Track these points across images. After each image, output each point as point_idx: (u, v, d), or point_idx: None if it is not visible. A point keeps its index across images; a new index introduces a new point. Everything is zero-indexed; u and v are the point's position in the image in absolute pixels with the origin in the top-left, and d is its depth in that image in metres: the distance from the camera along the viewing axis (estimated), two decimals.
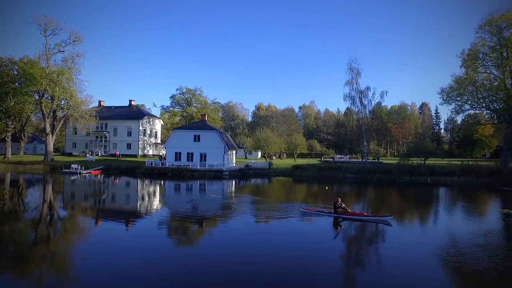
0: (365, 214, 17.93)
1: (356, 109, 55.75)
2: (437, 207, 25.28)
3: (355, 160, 64.59)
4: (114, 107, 74.53)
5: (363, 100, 54.26)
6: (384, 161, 60.46)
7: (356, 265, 11.08)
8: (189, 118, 72.66)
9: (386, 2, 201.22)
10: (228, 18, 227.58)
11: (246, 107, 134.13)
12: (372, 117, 57.54)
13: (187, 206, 22.86)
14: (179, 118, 76.94)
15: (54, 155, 58.64)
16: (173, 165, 48.45)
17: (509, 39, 41.76)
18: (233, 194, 30.20)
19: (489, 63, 44.83)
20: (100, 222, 17.22)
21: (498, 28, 42.44)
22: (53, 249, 12.28)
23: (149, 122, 72.36)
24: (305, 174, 48.85)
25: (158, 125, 77.36)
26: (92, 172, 46.48)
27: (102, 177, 42.71)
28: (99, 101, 71.87)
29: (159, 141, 77.39)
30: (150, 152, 72.42)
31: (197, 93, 75.79)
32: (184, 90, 75.27)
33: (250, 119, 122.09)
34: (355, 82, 54.07)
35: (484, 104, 46.39)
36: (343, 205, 17.87)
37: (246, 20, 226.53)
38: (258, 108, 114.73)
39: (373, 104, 55.59)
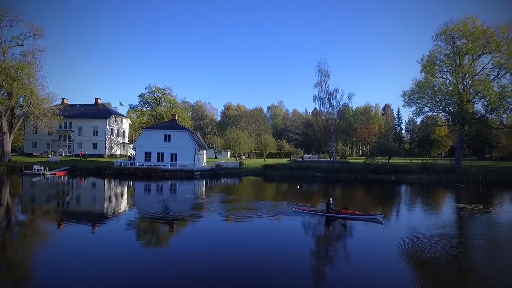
0: (356, 212, 18.40)
1: (325, 110, 57.40)
2: (399, 203, 26.77)
3: (324, 159, 66.27)
4: (79, 105, 70.97)
5: (331, 101, 56.03)
6: (351, 161, 62.76)
7: (325, 261, 11.52)
8: (158, 117, 70.96)
9: (352, 8, 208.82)
10: (196, 17, 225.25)
11: (215, 107, 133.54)
12: (340, 118, 59.37)
13: (158, 206, 22.47)
14: (148, 117, 74.86)
15: (12, 155, 54.79)
16: (143, 165, 47.36)
17: (461, 48, 45.05)
18: (205, 194, 30.12)
19: (445, 69, 48.13)
20: (63, 226, 16.41)
21: (451, 37, 45.70)
22: (11, 255, 11.63)
23: (116, 121, 69.82)
24: (275, 174, 49.53)
25: (126, 124, 74.89)
26: (57, 173, 44.02)
27: (67, 178, 40.61)
28: (63, 99, 68.13)
29: (127, 140, 74.94)
30: (118, 152, 69.96)
31: (166, 92, 74.16)
32: (154, 88, 73.37)
33: (219, 118, 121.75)
34: (324, 84, 55.68)
35: (441, 107, 49.64)
36: (335, 204, 18.46)
37: (213, 19, 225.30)
38: (227, 108, 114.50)
39: (341, 105, 57.46)
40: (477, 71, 46.09)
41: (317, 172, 48.98)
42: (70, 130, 64.73)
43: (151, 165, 46.98)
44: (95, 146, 64.91)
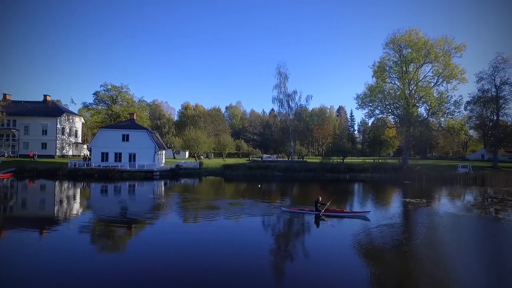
0: (344, 210, 19.24)
1: (284, 111, 59.15)
2: (353, 199, 28.65)
3: (282, 159, 68.12)
4: (25, 102, 64.77)
5: (290, 103, 57.93)
6: (308, 160, 65.23)
7: (285, 257, 11.95)
8: (115, 116, 67.68)
9: (312, 14, 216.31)
10: (151, 15, 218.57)
11: (172, 106, 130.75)
12: (298, 119, 61.55)
13: (116, 208, 21.78)
14: (103, 116, 71.09)
15: None
16: (99, 165, 45.20)
17: (407, 57, 49.27)
18: (166, 194, 29.47)
19: (394, 75, 52.24)
20: (4, 233, 14.76)
21: (399, 46, 49.85)
22: None
23: (68, 120, 65.15)
24: (236, 173, 49.93)
25: (78, 123, 70.24)
26: (0, 175, 40.29)
27: (12, 181, 37.33)
28: (4, 95, 62.39)
29: (80, 140, 70.48)
30: (70, 153, 65.47)
31: (123, 90, 70.68)
32: (109, 86, 69.54)
33: (176, 118, 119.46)
34: (283, 86, 57.38)
35: (390, 110, 53.78)
36: (324, 202, 18.87)
37: (169, 17, 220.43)
38: (185, 107, 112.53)
39: (299, 107, 59.58)
40: (420, 78, 50.80)
41: (276, 171, 50.19)
42: (14, 129, 59.32)
43: (109, 166, 45.06)
44: (44, 146, 60.16)
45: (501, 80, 55.95)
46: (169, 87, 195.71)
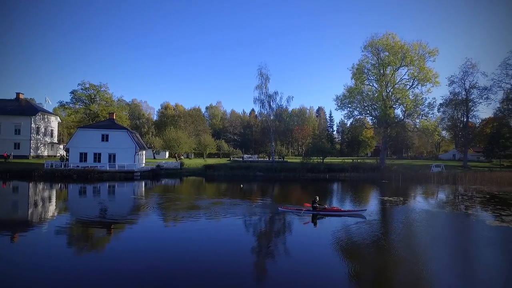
0: (341, 209, 19.50)
1: (265, 112, 59.61)
2: (333, 198, 29.22)
3: (263, 159, 68.60)
4: None
5: (271, 104, 58.49)
6: (288, 160, 66.01)
7: (266, 256, 11.96)
8: (93, 116, 65.60)
9: (292, 16, 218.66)
10: (133, 14, 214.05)
11: (152, 106, 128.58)
12: (279, 120, 62.22)
13: (95, 209, 21.21)
14: (81, 115, 68.76)
15: None
16: (78, 166, 43.80)
17: (384, 60, 50.96)
18: (147, 195, 28.95)
19: (372, 78, 53.89)
20: None
21: (377, 50, 51.46)
22: None
23: (43, 119, 62.51)
24: (217, 174, 49.83)
25: (54, 122, 67.55)
26: None
27: None
28: None
29: (55, 140, 67.91)
30: (46, 153, 62.94)
31: (102, 89, 68.66)
32: (88, 85, 67.13)
33: (155, 118, 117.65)
34: (264, 87, 57.88)
35: (368, 111, 55.37)
36: (322, 204, 19.33)
37: (148, 17, 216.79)
38: (165, 107, 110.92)
39: (279, 108, 60.24)
40: (397, 81, 52.67)
41: (257, 171, 50.53)
42: None
43: (88, 166, 43.77)
44: (17, 146, 57.43)
45: (470, 84, 59.08)
46: (148, 86, 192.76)
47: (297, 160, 62.52)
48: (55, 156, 63.40)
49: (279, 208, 20.17)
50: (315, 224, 17.03)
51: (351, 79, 54.47)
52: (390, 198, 26.29)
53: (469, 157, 65.56)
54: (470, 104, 59.89)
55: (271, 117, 59.58)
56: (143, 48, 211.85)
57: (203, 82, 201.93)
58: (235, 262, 10.89)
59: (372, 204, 24.51)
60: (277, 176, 48.23)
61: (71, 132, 78.93)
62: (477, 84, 58.58)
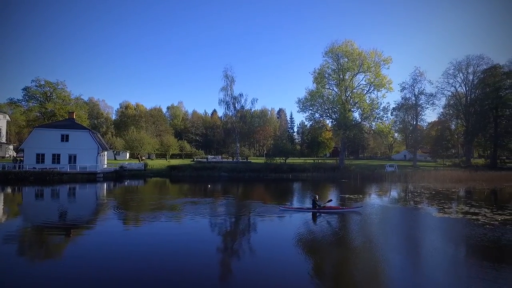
0: (339, 207, 20.61)
1: (230, 113, 60.18)
2: (296, 196, 30.39)
3: (227, 160, 69.06)
4: None
5: (236, 105, 59.17)
6: (252, 161, 67.05)
7: (231, 256, 12.05)
8: (49, 115, 61.17)
9: (256, 19, 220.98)
10: (92, 10, 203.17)
11: (110, 105, 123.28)
12: (244, 121, 63.11)
13: (52, 213, 20.12)
14: (36, 114, 63.75)
15: None
16: (34, 168, 41.06)
17: (344, 66, 53.92)
18: (109, 196, 28.14)
19: (332, 82, 56.67)
20: None
21: (337, 56, 54.29)
22: None
23: None
24: (182, 174, 49.44)
25: (3, 121, 62.07)
26: None
27: None
28: None
29: (4, 140, 62.51)
30: None
31: (59, 87, 64.31)
32: (43, 82, 62.33)
33: (114, 117, 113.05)
34: (229, 89, 58.42)
35: (328, 114, 58.07)
36: (323, 202, 20.21)
37: (108, 14, 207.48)
38: (126, 107, 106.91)
39: (244, 109, 61.12)
40: (355, 86, 55.92)
41: (222, 172, 50.93)
42: None
43: (46, 168, 41.22)
44: None
45: (418, 90, 64.41)
46: (106, 84, 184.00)
47: (260, 160, 63.64)
48: (3, 157, 58.60)
49: (280, 207, 20.90)
50: (314, 221, 17.88)
51: (313, 83, 56.93)
52: (351, 196, 28.15)
53: (418, 157, 71.30)
54: (418, 108, 65.27)
55: (236, 119, 60.23)
56: (101, 45, 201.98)
57: (164, 81, 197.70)
58: (201, 262, 10.89)
59: (334, 201, 26.08)
60: (242, 177, 48.93)
61: (21, 132, 73.09)
62: (424, 91, 64.26)
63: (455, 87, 67.38)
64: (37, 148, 43.05)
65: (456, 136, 74.86)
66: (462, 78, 66.05)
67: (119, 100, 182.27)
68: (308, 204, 22.28)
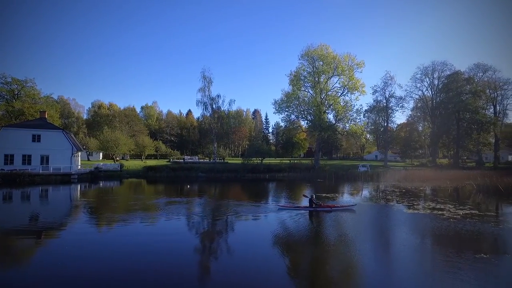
0: (335, 205, 21.54)
1: (208, 114, 60.15)
2: (273, 196, 31.00)
3: (203, 160, 68.80)
4: None
5: (214, 106, 59.25)
6: (229, 161, 67.23)
7: (209, 255, 12.15)
8: (16, 114, 57.62)
9: (228, 21, 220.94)
10: (66, 8, 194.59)
11: (81, 103, 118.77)
12: (221, 122, 63.31)
13: (21, 217, 19.13)
14: (2, 113, 59.89)
15: None
16: (3, 169, 39.15)
17: (319, 69, 55.51)
18: (84, 198, 27.25)
19: (308, 84, 58.11)
20: None
21: (312, 59, 55.76)
22: None
23: None
24: (159, 175, 48.84)
25: None
26: None
27: None
28: None
29: None
30: None
31: (28, 84, 60.90)
32: (9, 79, 58.58)
33: (85, 116, 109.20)
34: (207, 90, 58.48)
35: (304, 115, 59.50)
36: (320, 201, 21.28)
37: (77, 10, 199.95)
38: (99, 106, 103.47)
39: (222, 110, 61.33)
40: (330, 88, 57.67)
41: (200, 172, 50.83)
42: None
43: (16, 169, 39.37)
44: None
45: (389, 93, 67.34)
46: (77, 83, 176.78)
47: (237, 161, 63.99)
48: None
49: (279, 206, 21.65)
50: (311, 218, 18.48)
51: (289, 85, 58.07)
52: (328, 195, 29.22)
53: (388, 157, 74.45)
54: (389, 111, 68.27)
55: (214, 119, 60.35)
56: (73, 43, 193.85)
57: (138, 81, 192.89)
58: (177, 262, 10.84)
59: (306, 200, 27.04)
60: (220, 177, 49.06)
61: None
62: (394, 94, 67.25)
63: (422, 91, 71.33)
64: (5, 149, 41.07)
65: (423, 137, 78.98)
66: (429, 82, 70.09)
67: (91, 99, 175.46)
68: (305, 202, 22.87)
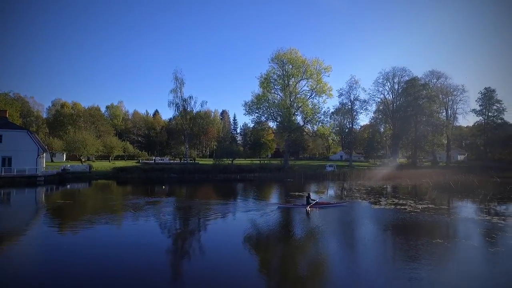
0: (329, 202, 23.51)
1: (180, 115, 59.83)
2: (244, 196, 31.70)
3: (174, 161, 68.09)
4: None
5: (186, 107, 59.11)
6: (200, 162, 67.09)
7: (182, 256, 12.24)
8: None
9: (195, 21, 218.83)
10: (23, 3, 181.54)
11: (40, 102, 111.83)
12: (193, 123, 63.17)
13: None
14: None
15: None
16: None
17: (288, 72, 57.33)
18: (51, 201, 26.28)
19: (277, 87, 59.69)
20: None
21: (282, 62, 57.45)
22: None
23: None
24: (130, 176, 47.78)
25: None
26: None
27: None
28: None
29: None
30: None
31: None
32: None
33: (45, 115, 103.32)
34: (179, 91, 58.23)
35: (273, 117, 60.99)
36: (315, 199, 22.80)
37: (41, 5, 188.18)
38: (62, 105, 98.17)
39: (193, 111, 61.28)
40: (299, 91, 59.70)
41: (172, 173, 50.46)
42: None
43: None
44: None
45: (354, 96, 70.88)
46: (35, 80, 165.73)
47: (206, 161, 64.09)
48: None
49: (278, 205, 22.99)
50: (307, 215, 19.41)
51: (259, 87, 59.23)
52: (299, 193, 30.59)
53: (353, 157, 78.25)
54: (354, 113, 71.84)
55: (186, 120, 60.15)
56: (29, 38, 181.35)
57: (102, 80, 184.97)
58: (149, 264, 10.60)
59: (282, 199, 28.27)
60: (192, 178, 48.94)
61: None
62: (358, 97, 70.91)
63: (384, 94, 75.85)
64: None
65: (385, 139, 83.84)
66: (389, 86, 74.69)
67: (50, 98, 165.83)
68: (302, 201, 23.89)
